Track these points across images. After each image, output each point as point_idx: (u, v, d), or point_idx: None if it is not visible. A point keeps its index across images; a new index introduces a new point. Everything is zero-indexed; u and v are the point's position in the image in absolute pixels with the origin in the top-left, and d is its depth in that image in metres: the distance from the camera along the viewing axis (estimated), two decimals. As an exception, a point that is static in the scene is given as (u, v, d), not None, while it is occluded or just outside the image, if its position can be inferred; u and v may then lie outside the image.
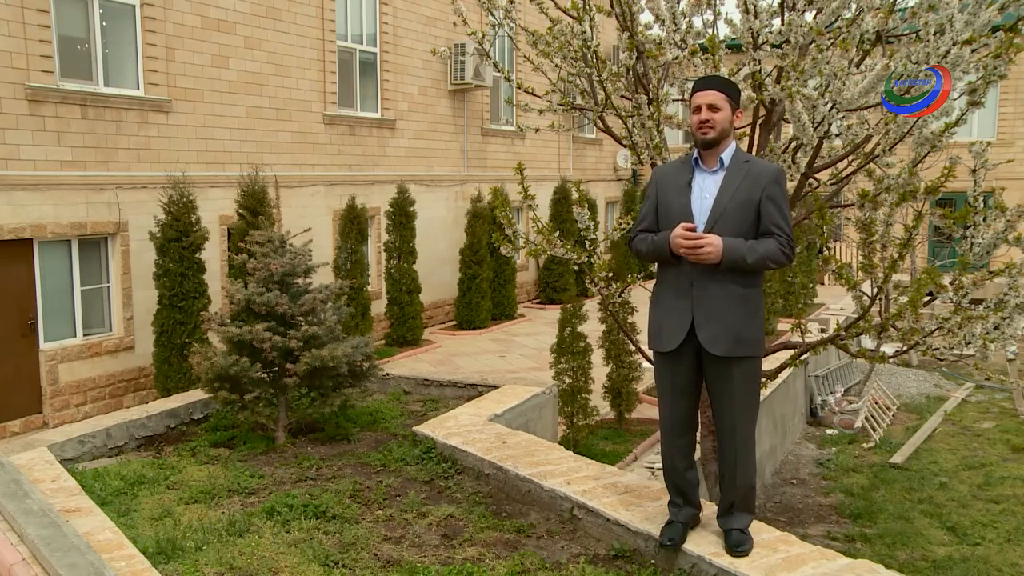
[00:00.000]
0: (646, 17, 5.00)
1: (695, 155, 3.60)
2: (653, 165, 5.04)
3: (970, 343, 4.17)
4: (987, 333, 4.13)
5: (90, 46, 9.00)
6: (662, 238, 3.52)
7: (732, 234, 3.42)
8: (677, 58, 4.77)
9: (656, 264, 3.72)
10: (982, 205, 4.49)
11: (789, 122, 4.61)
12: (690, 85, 4.70)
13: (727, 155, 3.54)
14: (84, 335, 9.04)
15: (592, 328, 8.35)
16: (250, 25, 10.69)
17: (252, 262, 5.87)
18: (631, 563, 3.78)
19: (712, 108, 3.49)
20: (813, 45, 4.33)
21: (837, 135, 4.73)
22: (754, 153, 5.01)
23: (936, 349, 4.30)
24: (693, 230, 3.42)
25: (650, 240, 3.59)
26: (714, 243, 3.36)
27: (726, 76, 4.05)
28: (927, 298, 4.37)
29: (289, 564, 3.82)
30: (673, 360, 3.60)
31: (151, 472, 5.11)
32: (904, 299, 4.42)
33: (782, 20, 4.51)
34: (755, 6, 4.50)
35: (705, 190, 3.52)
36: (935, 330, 4.28)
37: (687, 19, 4.76)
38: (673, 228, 3.48)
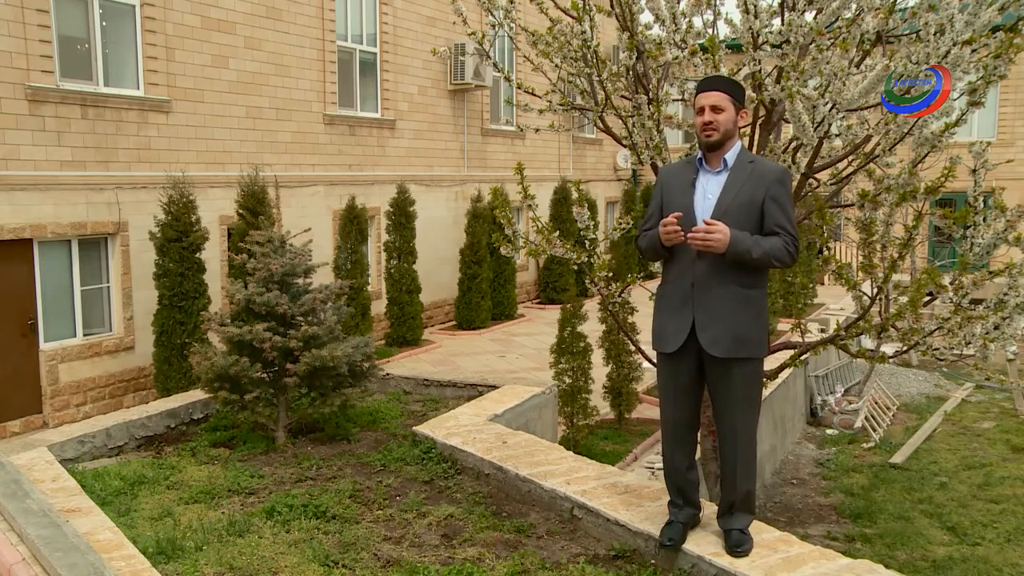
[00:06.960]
0: (646, 17, 5.00)
1: (699, 155, 3.60)
2: (653, 165, 5.04)
3: (970, 343, 4.17)
4: (987, 333, 4.13)
5: (90, 46, 9.00)
6: (655, 232, 3.54)
7: None
8: (677, 58, 4.77)
9: (660, 264, 3.73)
10: (982, 205, 4.49)
11: (789, 122, 4.61)
12: (690, 85, 4.71)
13: (731, 156, 3.54)
14: (84, 335, 9.04)
15: (592, 328, 8.35)
16: (250, 25, 10.69)
17: (252, 262, 5.87)
18: (631, 563, 3.78)
19: (715, 109, 3.48)
20: (813, 45, 4.33)
21: (837, 135, 4.73)
22: (753, 153, 5.01)
23: (936, 349, 4.30)
24: (679, 220, 3.41)
25: (649, 236, 3.62)
26: (723, 231, 3.35)
27: (728, 76, 4.05)
28: (927, 298, 4.37)
29: (289, 564, 3.82)
30: (675, 360, 3.60)
31: (151, 472, 5.11)
32: (904, 299, 4.42)
33: (782, 20, 4.50)
34: (755, 6, 4.50)
35: (708, 190, 3.53)
36: (935, 330, 4.28)
37: (687, 19, 4.76)
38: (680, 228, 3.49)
